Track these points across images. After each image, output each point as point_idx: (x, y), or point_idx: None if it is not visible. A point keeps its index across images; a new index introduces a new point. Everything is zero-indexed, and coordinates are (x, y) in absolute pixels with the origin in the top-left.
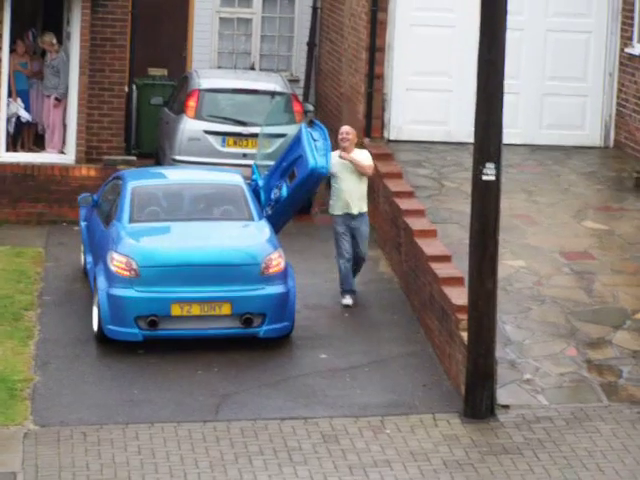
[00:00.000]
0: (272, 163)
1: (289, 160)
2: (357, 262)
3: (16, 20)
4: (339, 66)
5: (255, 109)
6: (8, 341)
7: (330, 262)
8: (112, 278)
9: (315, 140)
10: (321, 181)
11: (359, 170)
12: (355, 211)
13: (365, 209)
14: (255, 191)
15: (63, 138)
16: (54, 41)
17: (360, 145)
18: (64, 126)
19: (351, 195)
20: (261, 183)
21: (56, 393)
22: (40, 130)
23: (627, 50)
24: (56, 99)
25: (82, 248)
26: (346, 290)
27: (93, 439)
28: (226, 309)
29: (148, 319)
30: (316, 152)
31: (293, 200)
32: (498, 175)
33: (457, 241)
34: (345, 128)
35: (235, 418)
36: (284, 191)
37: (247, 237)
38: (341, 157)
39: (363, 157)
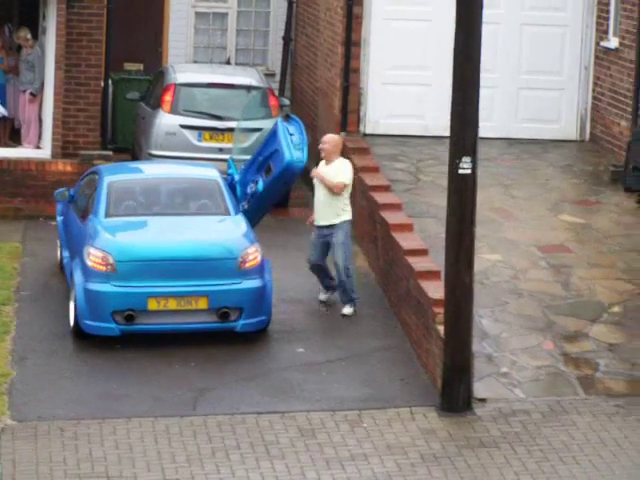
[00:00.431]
0: (248, 157)
1: (265, 154)
2: (337, 272)
3: None
4: (315, 60)
5: (231, 103)
6: None
7: (306, 255)
8: (89, 273)
9: (291, 134)
10: (297, 175)
11: (326, 187)
12: (322, 222)
13: (335, 221)
14: (231, 185)
15: (39, 133)
16: (29, 36)
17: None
18: (40, 121)
19: (319, 206)
20: (237, 177)
21: (33, 388)
22: (16, 125)
23: (603, 44)
24: (31, 94)
25: (59, 243)
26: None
27: (70, 434)
28: (203, 303)
29: (125, 314)
30: (292, 146)
31: (269, 194)
32: (474, 169)
33: (434, 235)
34: (325, 137)
35: (212, 412)
36: (260, 185)
37: (224, 231)
38: (312, 175)
39: (335, 173)
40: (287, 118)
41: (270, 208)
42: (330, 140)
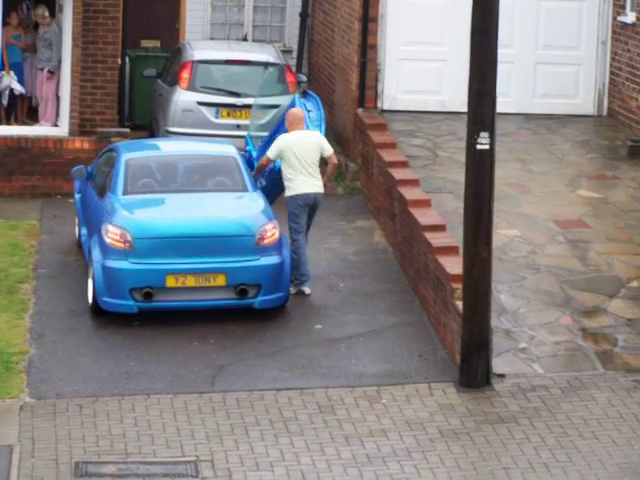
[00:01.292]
0: (266, 134)
1: (283, 131)
2: None
3: None
4: (332, 37)
5: (248, 80)
6: (3, 314)
7: (323, 232)
8: (107, 250)
9: (309, 111)
10: None
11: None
12: None
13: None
14: (249, 162)
15: (57, 111)
16: (46, 14)
17: (354, 116)
18: (57, 99)
19: None
20: (255, 154)
21: (52, 366)
22: (34, 103)
23: (620, 18)
24: (49, 72)
25: (76, 220)
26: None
27: (89, 411)
28: (221, 280)
29: (143, 291)
30: (310, 123)
31: None
32: (492, 144)
33: (451, 210)
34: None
35: (231, 389)
36: (278, 162)
37: (241, 208)
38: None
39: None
40: (304, 94)
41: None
42: (288, 114)
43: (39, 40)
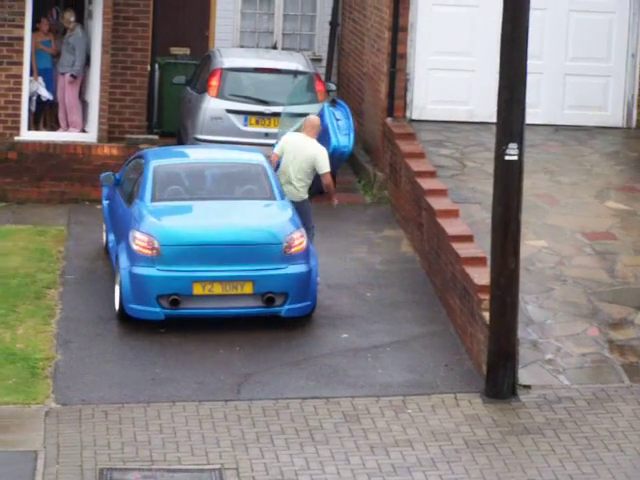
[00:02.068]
0: None
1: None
2: None
3: None
4: (362, 45)
5: (277, 88)
6: (30, 319)
7: (350, 241)
8: (134, 257)
9: (337, 119)
10: (344, 160)
11: None
12: None
13: None
14: (277, 169)
15: (83, 116)
16: (72, 18)
17: (383, 125)
18: (82, 104)
19: None
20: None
21: (78, 372)
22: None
23: None
24: (72, 76)
25: (104, 227)
26: None
27: (115, 418)
28: (248, 288)
29: (170, 298)
30: (338, 131)
31: (316, 180)
32: (521, 155)
33: (479, 221)
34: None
35: (257, 397)
36: None
37: (269, 216)
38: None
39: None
40: (334, 103)
41: (316, 193)
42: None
43: (63, 44)
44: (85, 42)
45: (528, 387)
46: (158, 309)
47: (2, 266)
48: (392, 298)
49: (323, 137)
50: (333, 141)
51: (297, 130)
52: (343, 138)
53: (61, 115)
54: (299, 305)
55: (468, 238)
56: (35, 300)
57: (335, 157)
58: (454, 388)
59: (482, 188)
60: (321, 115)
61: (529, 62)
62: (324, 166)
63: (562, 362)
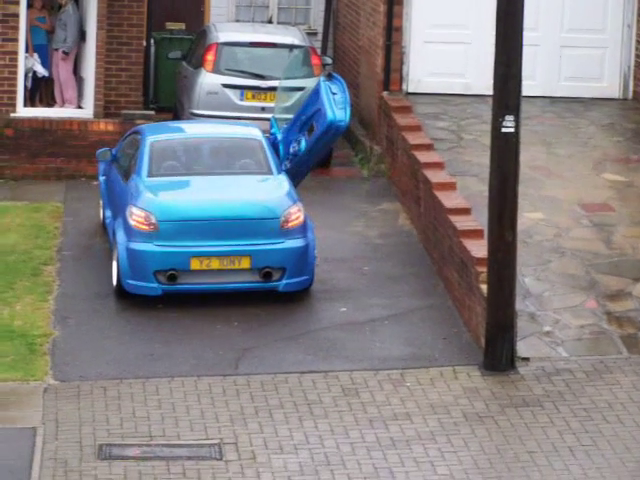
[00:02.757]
0: (291, 117)
1: (308, 114)
2: None
3: None
4: (357, 19)
5: (273, 62)
6: (27, 296)
7: (348, 215)
8: (131, 232)
9: (334, 93)
10: (340, 134)
11: None
12: None
13: None
14: (274, 145)
15: (78, 92)
16: None
17: (379, 99)
18: (76, 80)
19: None
20: (280, 137)
21: (76, 348)
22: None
23: None
24: (64, 52)
25: (101, 203)
26: None
27: (113, 393)
28: (245, 263)
29: (167, 273)
30: (335, 105)
31: (312, 153)
32: (517, 127)
33: (476, 193)
34: None
35: (255, 372)
36: (303, 145)
37: (266, 191)
38: None
39: None
40: (330, 77)
41: (312, 167)
42: None
43: (57, 21)
44: (76, 19)
45: (526, 359)
46: (156, 284)
47: None
48: (390, 272)
49: (319, 111)
50: (329, 115)
51: (294, 105)
52: (339, 112)
53: (57, 91)
54: (297, 280)
55: (465, 211)
56: (32, 277)
57: (331, 131)
58: (452, 361)
59: (479, 160)
60: (317, 89)
61: (525, 34)
62: None
63: (560, 334)
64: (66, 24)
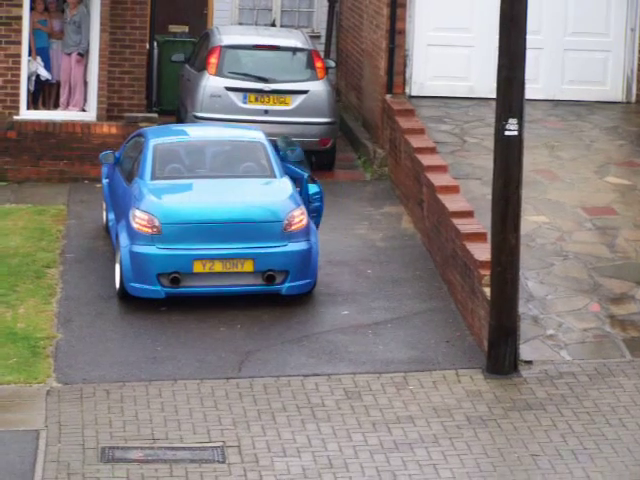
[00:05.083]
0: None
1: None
2: None
3: None
4: (360, 22)
5: (276, 65)
6: (30, 299)
7: (351, 218)
8: (134, 235)
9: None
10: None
11: None
12: None
13: None
14: (276, 147)
15: (84, 95)
16: None
17: (382, 102)
18: (85, 83)
19: None
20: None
21: (79, 350)
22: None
23: None
24: (79, 54)
25: (104, 205)
26: None
27: (116, 396)
28: (248, 266)
29: (170, 276)
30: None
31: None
32: (521, 130)
33: (479, 197)
34: None
35: (258, 375)
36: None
37: (269, 194)
38: None
39: None
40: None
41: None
42: None
43: (67, 24)
44: (89, 20)
45: (529, 363)
46: (159, 287)
47: (2, 246)
48: (393, 274)
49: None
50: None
51: (291, 149)
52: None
53: (64, 95)
54: (300, 282)
55: (469, 214)
56: (35, 279)
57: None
58: (455, 364)
59: (482, 164)
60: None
61: (528, 37)
62: None
63: (563, 337)
64: (80, 26)
